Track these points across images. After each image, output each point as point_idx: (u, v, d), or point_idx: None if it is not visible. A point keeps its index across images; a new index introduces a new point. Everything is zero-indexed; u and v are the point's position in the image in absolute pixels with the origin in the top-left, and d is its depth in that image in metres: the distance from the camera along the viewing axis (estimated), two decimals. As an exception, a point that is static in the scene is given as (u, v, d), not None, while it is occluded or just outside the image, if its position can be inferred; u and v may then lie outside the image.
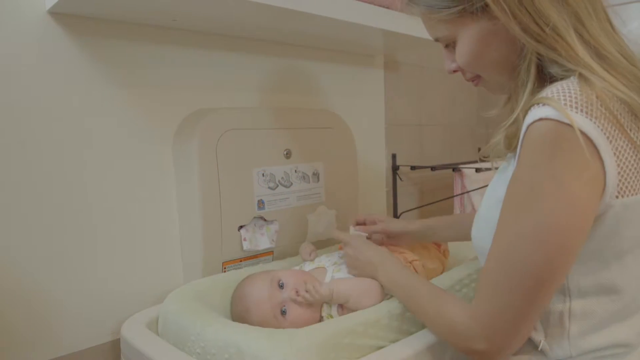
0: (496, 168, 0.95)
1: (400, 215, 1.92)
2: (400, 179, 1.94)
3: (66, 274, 1.11)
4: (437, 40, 0.92)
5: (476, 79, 0.92)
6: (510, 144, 0.82)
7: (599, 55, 0.76)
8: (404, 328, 0.99)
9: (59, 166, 1.09)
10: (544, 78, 0.79)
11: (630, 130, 0.74)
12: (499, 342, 0.78)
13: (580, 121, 0.69)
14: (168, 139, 1.26)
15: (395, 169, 1.94)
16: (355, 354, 0.90)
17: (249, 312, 1.05)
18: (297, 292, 1.03)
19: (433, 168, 1.93)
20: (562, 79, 0.76)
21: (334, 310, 1.05)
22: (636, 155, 0.74)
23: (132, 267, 1.21)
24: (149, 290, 1.24)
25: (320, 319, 1.05)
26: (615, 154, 0.71)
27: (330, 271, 1.13)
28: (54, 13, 1.07)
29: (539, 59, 0.79)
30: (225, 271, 1.28)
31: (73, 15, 1.09)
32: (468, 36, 0.83)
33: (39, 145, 1.06)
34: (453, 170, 1.89)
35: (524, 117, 0.76)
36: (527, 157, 0.73)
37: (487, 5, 0.78)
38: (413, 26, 1.49)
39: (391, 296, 1.07)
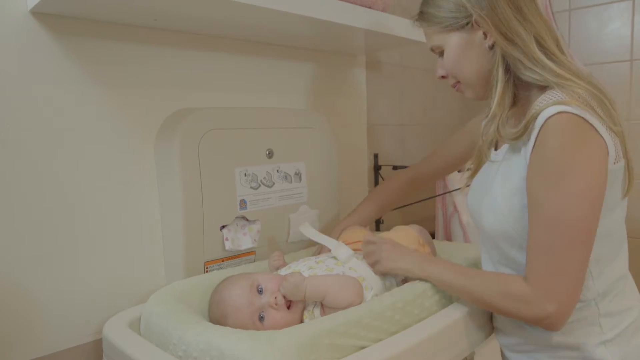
0: (468, 169, 1.20)
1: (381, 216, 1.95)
2: (382, 178, 1.98)
3: (47, 274, 1.13)
4: (431, 49, 1.15)
5: (457, 84, 1.15)
6: (492, 142, 1.07)
7: (552, 60, 1.01)
8: (385, 327, 1.01)
9: (40, 166, 1.11)
10: (517, 84, 1.05)
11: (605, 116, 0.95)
12: (565, 300, 0.93)
13: (584, 113, 0.91)
14: (150, 139, 1.28)
15: (377, 168, 1.97)
16: (336, 354, 0.91)
17: (227, 317, 1.07)
18: (276, 298, 1.05)
19: (415, 168, 1.95)
20: (531, 82, 1.02)
21: (317, 312, 1.07)
22: (611, 134, 0.95)
23: (114, 266, 1.23)
24: (131, 289, 1.25)
25: (302, 322, 1.07)
26: (607, 131, 0.93)
27: (306, 275, 1.14)
28: (36, 13, 1.09)
29: (507, 63, 1.02)
30: (207, 271, 1.30)
31: (55, 15, 1.11)
32: (452, 46, 1.09)
33: (19, 145, 1.08)
34: (435, 170, 1.91)
35: (500, 114, 1.03)
36: (553, 141, 0.92)
37: (468, 23, 1.04)
38: (395, 26, 1.52)
39: (376, 294, 1.10)
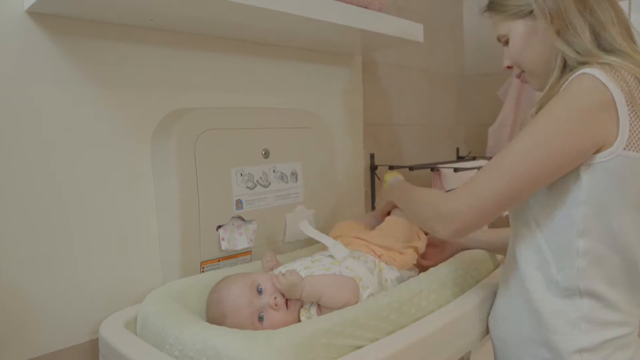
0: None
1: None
2: (379, 178, 1.98)
3: (43, 273, 1.13)
4: (498, 39, 1.17)
5: (521, 74, 1.17)
6: None
7: (608, 50, 1.00)
8: (382, 327, 1.01)
9: (37, 166, 1.11)
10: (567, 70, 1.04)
11: None
12: (464, 219, 1.01)
13: (609, 83, 0.93)
14: (146, 139, 1.29)
15: (373, 168, 1.98)
16: (333, 353, 0.92)
17: (226, 317, 1.07)
18: (275, 298, 1.05)
19: (411, 168, 1.97)
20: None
21: (313, 312, 1.08)
22: (637, 120, 0.95)
23: (110, 266, 1.23)
24: (127, 289, 1.26)
25: (299, 321, 1.08)
26: (629, 114, 0.94)
27: (302, 274, 1.15)
28: (32, 13, 1.09)
29: (563, 52, 1.03)
30: (203, 271, 1.31)
31: (51, 15, 1.12)
32: (516, 34, 1.11)
33: (15, 145, 1.08)
34: (431, 170, 1.93)
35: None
36: (562, 91, 0.97)
37: (531, 11, 1.06)
38: (391, 26, 1.53)
39: (372, 294, 1.11)
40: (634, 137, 0.94)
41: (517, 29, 1.10)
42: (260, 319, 1.05)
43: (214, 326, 0.99)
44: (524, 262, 1.08)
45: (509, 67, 1.18)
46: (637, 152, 0.94)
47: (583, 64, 0.99)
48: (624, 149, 0.94)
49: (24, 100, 1.09)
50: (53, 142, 1.13)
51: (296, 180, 1.51)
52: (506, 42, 1.14)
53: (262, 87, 1.57)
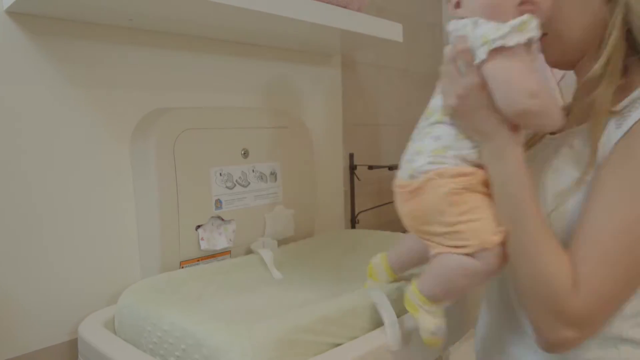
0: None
1: (358, 215, 1.99)
2: (358, 178, 2.01)
3: (22, 274, 1.15)
4: None
5: (543, 37, 0.82)
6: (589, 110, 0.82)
7: None
8: (363, 326, 1.02)
9: (15, 165, 1.13)
10: (629, 54, 0.82)
11: None
12: (593, 327, 0.77)
13: None
14: (125, 139, 1.31)
15: (352, 168, 2.01)
16: (314, 350, 0.93)
17: None
18: None
19: (391, 167, 1.98)
20: None
21: None
22: None
23: (90, 266, 1.25)
24: (107, 289, 1.28)
25: None
26: None
27: None
28: (11, 13, 1.11)
29: (628, 22, 0.80)
30: (182, 271, 1.33)
31: (31, 15, 1.13)
32: None
33: (-6, 145, 1.10)
34: (410, 169, 1.95)
35: (609, 79, 0.80)
36: None
37: None
38: (370, 26, 1.55)
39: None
40: None
41: None
42: None
43: (193, 312, 0.99)
44: None
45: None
46: None
47: None
48: None
49: (1, 100, 1.10)
50: (31, 142, 1.15)
51: (275, 180, 1.54)
52: None
53: (242, 87, 1.59)
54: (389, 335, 0.99)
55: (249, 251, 1.46)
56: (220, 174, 1.39)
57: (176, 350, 0.94)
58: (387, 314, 1.02)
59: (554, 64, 0.91)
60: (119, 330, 1.11)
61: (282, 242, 1.54)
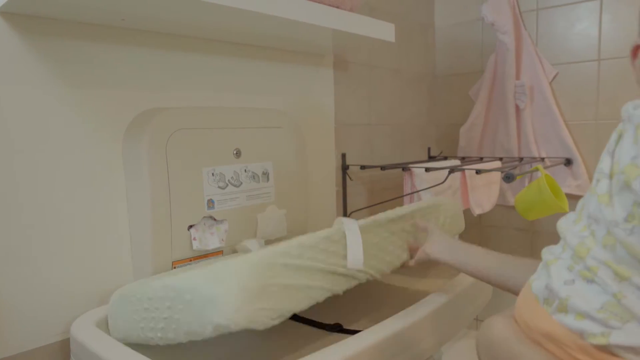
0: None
1: (350, 215, 2.00)
2: (350, 178, 2.03)
3: (13, 273, 1.15)
4: None
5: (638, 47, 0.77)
6: None
7: None
8: (343, 253, 1.09)
9: (7, 164, 1.14)
10: None
11: None
12: None
13: None
14: (118, 139, 1.32)
15: (345, 168, 2.02)
16: (292, 274, 0.97)
17: None
18: None
19: (383, 167, 2.01)
20: None
21: None
22: None
23: (82, 266, 1.26)
24: (99, 289, 1.29)
25: None
26: None
27: None
28: (3, 12, 1.11)
29: None
30: (175, 271, 1.34)
31: (23, 15, 1.14)
32: None
33: (-14, 145, 1.11)
34: (403, 169, 1.97)
35: None
36: None
37: None
38: (363, 26, 1.57)
39: None
40: None
41: None
42: None
43: (175, 271, 1.02)
44: None
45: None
46: None
47: None
48: None
49: (-6, 99, 1.11)
50: (23, 142, 1.16)
51: (268, 180, 1.55)
52: None
53: (234, 86, 1.60)
54: (349, 254, 1.10)
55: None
56: (213, 174, 1.40)
57: (163, 313, 0.96)
58: (353, 237, 1.13)
59: None
60: (112, 328, 1.12)
61: (274, 242, 1.55)
